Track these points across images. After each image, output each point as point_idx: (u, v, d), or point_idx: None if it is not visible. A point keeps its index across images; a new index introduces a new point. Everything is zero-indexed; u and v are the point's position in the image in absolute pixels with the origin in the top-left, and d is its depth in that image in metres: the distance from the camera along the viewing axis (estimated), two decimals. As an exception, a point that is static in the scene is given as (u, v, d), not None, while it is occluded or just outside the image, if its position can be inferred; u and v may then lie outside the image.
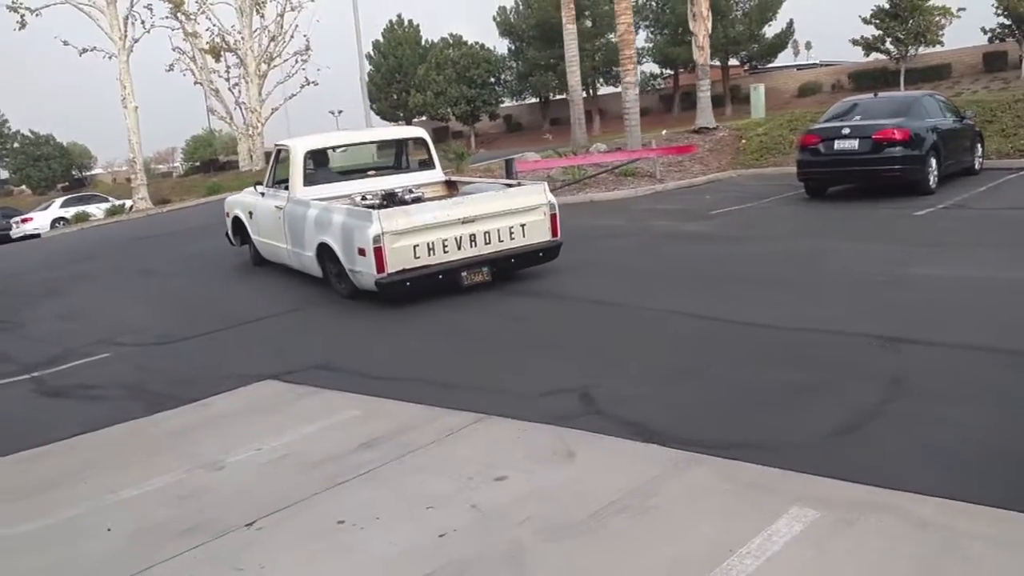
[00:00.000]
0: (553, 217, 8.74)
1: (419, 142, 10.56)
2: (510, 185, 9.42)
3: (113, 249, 16.54)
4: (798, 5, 50.90)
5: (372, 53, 62.15)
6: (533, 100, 62.43)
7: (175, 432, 5.44)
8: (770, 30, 50.83)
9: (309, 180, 9.51)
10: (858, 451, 4.15)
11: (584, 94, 57.31)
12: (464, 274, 8.18)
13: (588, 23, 54.12)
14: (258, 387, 6.28)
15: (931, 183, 12.68)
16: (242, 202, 11.32)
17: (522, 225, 8.52)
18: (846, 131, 12.72)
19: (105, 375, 7.02)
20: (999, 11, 42.82)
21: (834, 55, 55.14)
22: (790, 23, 50.97)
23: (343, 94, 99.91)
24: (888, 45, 45.49)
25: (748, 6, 50.60)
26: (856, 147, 12.57)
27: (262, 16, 39.27)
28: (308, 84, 39.45)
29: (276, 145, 10.62)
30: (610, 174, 17.60)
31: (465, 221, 8.14)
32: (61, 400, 6.50)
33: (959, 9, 44.05)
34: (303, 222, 9.04)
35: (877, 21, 45.47)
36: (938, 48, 45.46)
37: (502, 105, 62.14)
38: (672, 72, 55.44)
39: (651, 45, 54.86)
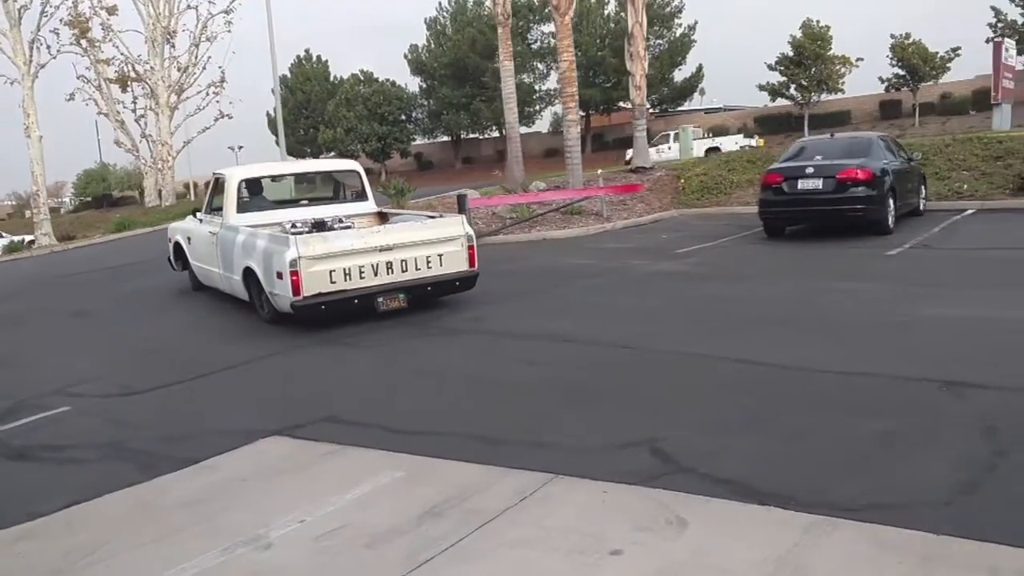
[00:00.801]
0: (470, 248, 9.11)
1: (352, 174, 10.95)
2: (431, 217, 9.82)
3: (34, 288, 15.20)
4: (703, 51, 52.62)
5: (279, 88, 60.89)
6: (445, 138, 62.22)
7: (189, 501, 4.68)
8: (679, 74, 52.14)
9: (242, 207, 9.89)
10: (1000, 510, 3.79)
11: (496, 133, 57.89)
12: (380, 299, 8.51)
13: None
14: (267, 444, 5.56)
15: (890, 223, 12.81)
16: (182, 228, 11.72)
17: (439, 255, 8.90)
18: (810, 171, 12.75)
19: (73, 432, 6.16)
20: (893, 62, 44.92)
21: (735, 100, 56.89)
22: (699, 68, 52.46)
23: (246, 129, 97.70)
24: (793, 91, 47.07)
25: (658, 51, 51.75)
26: (820, 187, 12.59)
27: (173, 47, 37.83)
28: (222, 117, 38.00)
29: (214, 173, 10.76)
30: (557, 212, 17.30)
31: (383, 249, 8.50)
32: (29, 463, 5.61)
33: (858, 59, 46.14)
34: (232, 247, 9.37)
35: (782, 68, 47.11)
36: (839, 95, 47.31)
37: (414, 143, 61.72)
38: (584, 113, 56.02)
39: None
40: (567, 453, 4.92)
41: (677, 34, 52.14)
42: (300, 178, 12.22)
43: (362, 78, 59.23)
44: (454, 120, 57.00)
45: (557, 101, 55.81)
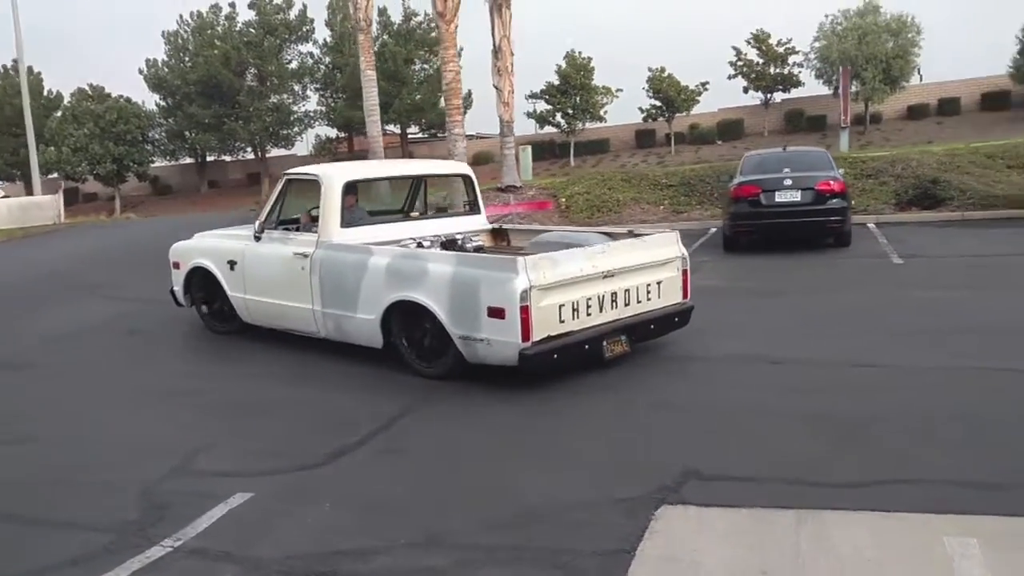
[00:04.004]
0: (685, 274, 7.24)
1: (465, 180, 8.77)
2: (634, 233, 7.54)
3: None
4: (470, 79, 53.10)
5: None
6: (188, 160, 57.30)
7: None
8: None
9: (347, 221, 7.52)
10: None
11: (253, 156, 54.23)
12: (605, 344, 6.43)
13: (253, 82, 51.30)
14: (664, 521, 4.13)
15: (851, 235, 13.10)
16: (214, 249, 8.59)
17: (658, 283, 6.96)
18: (788, 182, 12.71)
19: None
20: (650, 93, 47.94)
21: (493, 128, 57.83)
22: (468, 93, 52.48)
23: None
24: (559, 119, 48.64)
25: (422, 76, 51.34)
26: (799, 199, 12.59)
27: None
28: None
29: (288, 174, 8.16)
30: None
31: (607, 276, 6.47)
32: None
33: (618, 89, 48.68)
34: (359, 273, 6.98)
35: (548, 96, 48.55)
36: (601, 124, 49.62)
37: (152, 165, 56.22)
38: (347, 135, 54.22)
39: (323, 108, 53.31)
40: None
41: (441, 61, 51.88)
42: (401, 184, 9.24)
43: (91, 93, 53.00)
44: (202, 140, 52.62)
45: (318, 123, 53.72)
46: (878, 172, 17.95)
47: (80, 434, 6.11)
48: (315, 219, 7.70)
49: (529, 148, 25.84)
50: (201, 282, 8.76)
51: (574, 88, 47.68)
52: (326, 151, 54.24)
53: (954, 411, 5.40)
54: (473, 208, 8.67)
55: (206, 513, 4.52)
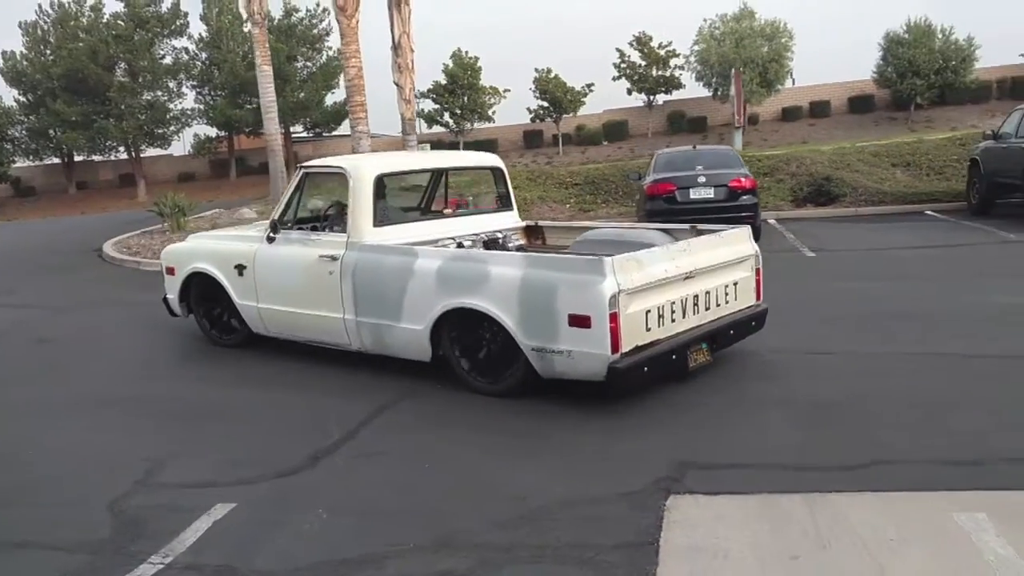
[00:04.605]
0: (758, 272, 6.59)
1: (497, 174, 7.89)
2: (698, 229, 6.75)
3: None
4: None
5: None
6: (54, 160, 54.19)
7: None
8: (333, 98, 51.02)
9: (379, 219, 6.71)
10: None
11: (126, 155, 51.65)
12: (689, 353, 5.79)
13: (124, 77, 48.87)
14: (678, 512, 4.14)
15: (760, 230, 13.52)
16: (218, 252, 7.66)
17: (735, 283, 6.31)
18: (702, 180, 13.00)
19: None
20: (537, 94, 48.39)
21: (387, 127, 57.29)
22: (353, 92, 51.56)
23: None
24: (447, 118, 48.50)
25: (305, 73, 50.22)
26: (712, 195, 12.91)
27: None
28: None
29: (307, 167, 7.32)
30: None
31: (687, 277, 5.80)
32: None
33: (505, 90, 48.94)
34: (403, 278, 6.19)
35: (435, 96, 48.36)
36: (490, 124, 49.77)
37: (14, 165, 52.94)
38: (227, 134, 52.43)
39: (201, 106, 51.36)
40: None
41: (325, 58, 50.89)
42: (433, 177, 8.20)
43: (-59, 87, 49.41)
44: (69, 139, 49.82)
45: (196, 121, 51.74)
46: (774, 170, 18.62)
47: (17, 452, 5.62)
48: (335, 216, 7.12)
49: (428, 147, 25.61)
50: (201, 289, 7.87)
51: (462, 88, 47.66)
52: (205, 151, 52.41)
53: (918, 394, 5.60)
54: (505, 204, 7.83)
55: (190, 526, 4.25)
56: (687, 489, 4.34)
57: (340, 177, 6.92)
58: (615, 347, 5.23)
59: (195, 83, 51.85)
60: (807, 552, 3.65)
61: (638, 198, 14.31)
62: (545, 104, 48.14)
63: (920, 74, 41.29)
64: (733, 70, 25.02)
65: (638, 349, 5.40)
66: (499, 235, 7.38)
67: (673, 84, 48.16)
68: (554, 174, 20.69)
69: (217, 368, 7.39)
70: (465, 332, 6.05)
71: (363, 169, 6.74)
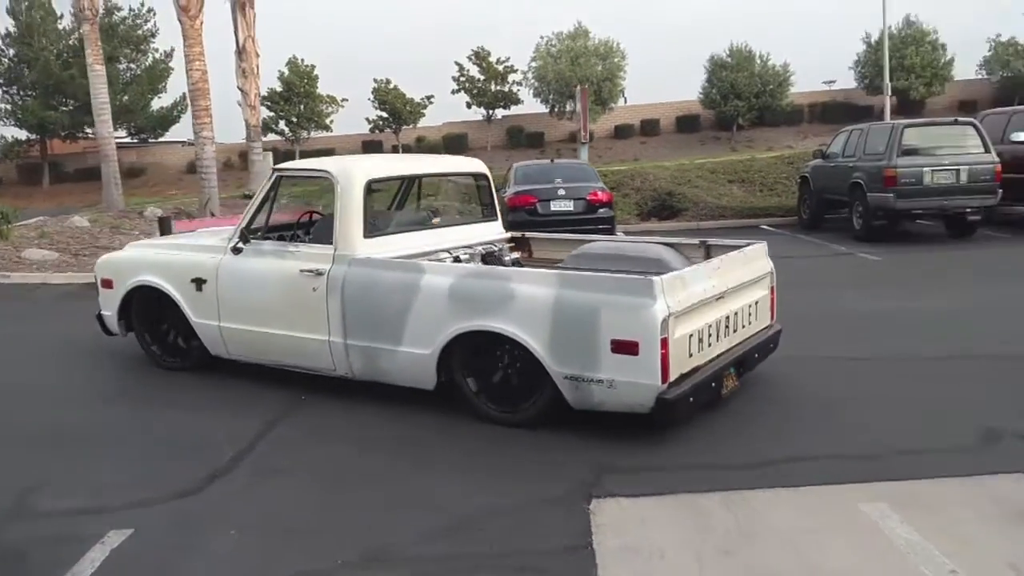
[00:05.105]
0: (773, 291, 6.22)
1: (480, 180, 7.30)
2: (707, 244, 6.44)
3: None
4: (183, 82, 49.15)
5: None
6: None
7: None
8: (160, 102, 48.60)
9: (369, 229, 5.98)
10: None
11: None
12: (724, 378, 5.39)
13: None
14: (603, 515, 4.21)
15: (615, 242, 14.01)
16: (170, 263, 6.78)
17: (756, 303, 5.90)
18: (561, 192, 13.31)
19: None
20: (376, 104, 48.07)
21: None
22: (182, 97, 49.19)
23: None
24: (283, 126, 47.31)
25: (129, 76, 47.61)
26: (572, 208, 13.25)
27: None
28: None
29: (282, 170, 6.52)
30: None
31: (719, 297, 5.36)
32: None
33: (343, 99, 48.32)
34: (407, 296, 5.54)
35: (270, 103, 47.04)
36: (327, 133, 48.92)
37: None
38: (39, 138, 48.77)
39: (8, 107, 47.60)
40: None
41: (150, 60, 48.40)
42: (416, 183, 7.38)
43: None
44: None
45: (2, 123, 47.90)
46: (619, 185, 19.24)
47: None
48: (318, 225, 6.49)
49: (271, 155, 24.84)
50: (146, 305, 6.98)
51: (298, 96, 46.65)
52: (14, 155, 48.57)
53: (817, 394, 5.93)
54: (490, 213, 7.24)
55: (84, 557, 3.89)
56: (608, 492, 4.39)
57: (323, 181, 6.26)
58: (664, 376, 4.76)
59: (1, 81, 48.02)
60: (737, 548, 3.78)
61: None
62: (384, 115, 47.85)
63: (741, 96, 44.01)
64: (579, 87, 25.67)
65: (682, 378, 4.95)
66: (494, 248, 6.91)
67: (511, 99, 49.06)
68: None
69: (90, 385, 6.85)
70: (479, 357, 5.47)
71: (352, 173, 5.99)
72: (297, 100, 46.77)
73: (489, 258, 6.73)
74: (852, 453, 4.82)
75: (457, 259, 6.39)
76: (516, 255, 7.00)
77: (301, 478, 4.80)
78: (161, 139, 51.16)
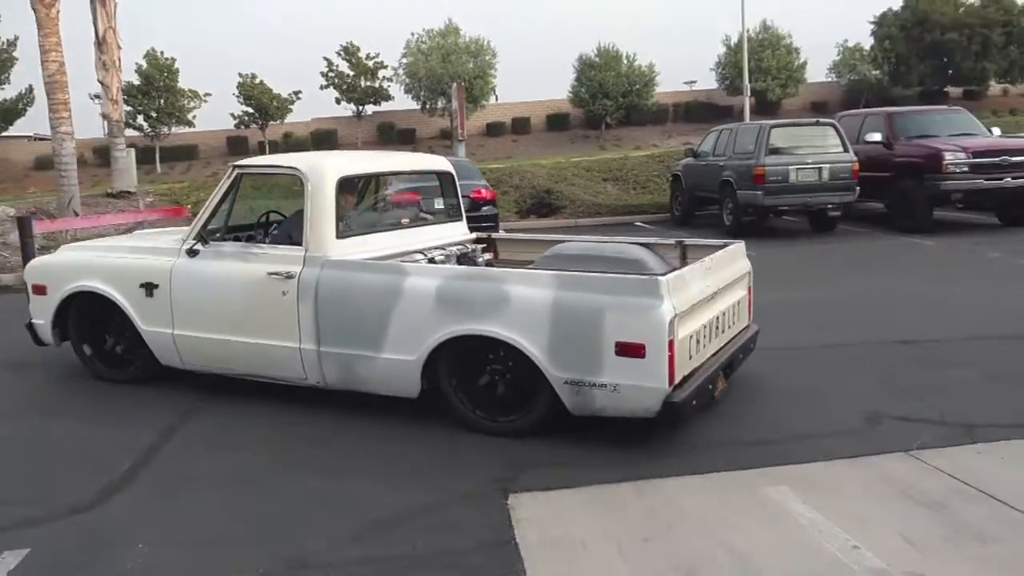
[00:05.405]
0: (750, 291, 6.19)
1: (445, 178, 7.03)
2: (682, 242, 6.36)
3: None
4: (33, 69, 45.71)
5: None
6: None
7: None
8: (3, 94, 45.57)
9: (341, 229, 5.68)
10: None
11: None
12: (714, 383, 5.26)
13: None
14: (521, 510, 4.30)
15: (498, 239, 14.14)
16: (115, 267, 6.28)
17: (738, 303, 5.84)
18: (445, 190, 13.27)
19: None
20: (242, 100, 46.66)
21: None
22: (29, 88, 46.30)
23: None
24: (141, 121, 45.31)
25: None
26: (456, 205, 13.23)
27: None
28: None
29: (241, 167, 6.04)
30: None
31: (711, 298, 5.29)
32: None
33: (206, 94, 46.69)
34: (388, 300, 5.25)
35: (128, 97, 44.88)
36: (190, 129, 47.16)
37: None
38: None
39: None
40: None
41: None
42: (384, 182, 7.12)
43: None
44: None
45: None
46: (498, 183, 19.40)
47: None
48: (285, 225, 6.19)
49: (133, 151, 23.69)
50: (84, 313, 6.49)
51: (157, 90, 44.77)
52: None
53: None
54: (455, 213, 6.98)
55: (-24, 581, 3.66)
56: (524, 487, 4.44)
57: (292, 178, 5.85)
58: (671, 379, 4.63)
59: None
60: (655, 534, 3.90)
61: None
62: (250, 110, 46.54)
63: (609, 96, 45.10)
64: (455, 84, 25.70)
65: (684, 380, 4.84)
66: (466, 249, 6.67)
67: (382, 95, 48.62)
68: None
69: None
70: (468, 363, 5.22)
71: (323, 170, 5.66)
72: (156, 94, 44.82)
73: (463, 259, 6.52)
74: (749, 439, 5.05)
75: (432, 260, 6.16)
76: (488, 256, 6.80)
77: (207, 486, 4.65)
78: (4, 134, 47.94)
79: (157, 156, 45.35)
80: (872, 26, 47.87)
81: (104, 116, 19.13)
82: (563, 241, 6.48)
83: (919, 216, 13.77)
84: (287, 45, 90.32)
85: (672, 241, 6.44)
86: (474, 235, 7.07)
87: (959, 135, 14.48)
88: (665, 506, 4.19)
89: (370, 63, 47.82)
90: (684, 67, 76.94)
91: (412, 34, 48.26)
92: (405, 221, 6.69)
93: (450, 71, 43.61)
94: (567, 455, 4.88)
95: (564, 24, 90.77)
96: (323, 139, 48.29)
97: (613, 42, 47.09)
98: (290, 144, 47.85)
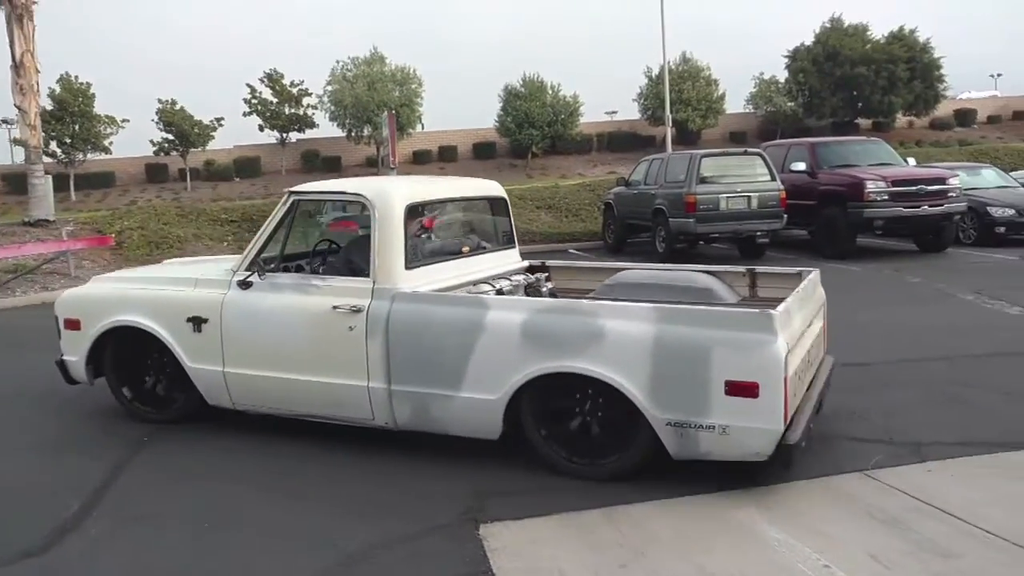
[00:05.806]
0: (825, 320, 5.93)
1: (499, 204, 6.75)
2: (753, 271, 6.17)
3: None
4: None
5: None
6: None
7: None
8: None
9: (410, 259, 5.32)
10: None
11: None
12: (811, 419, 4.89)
13: None
14: (494, 539, 4.30)
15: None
16: (158, 300, 5.85)
17: (818, 335, 5.60)
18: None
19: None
20: (161, 126, 45.65)
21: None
22: (-67, 114, 44.49)
23: None
24: (54, 148, 43.88)
25: None
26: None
27: None
28: None
29: (297, 193, 5.68)
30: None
31: (804, 331, 5.05)
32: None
33: (123, 120, 45.54)
34: (468, 336, 4.92)
35: (41, 123, 43.52)
36: (106, 156, 45.92)
37: None
38: None
39: None
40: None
41: None
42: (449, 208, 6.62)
43: None
44: None
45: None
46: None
47: None
48: (343, 255, 5.85)
49: (50, 178, 22.88)
50: (122, 349, 6.06)
51: (72, 115, 43.49)
52: None
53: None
54: (508, 240, 6.67)
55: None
56: (494, 517, 4.43)
57: (357, 205, 5.54)
58: (786, 419, 4.38)
59: None
60: (631, 560, 3.93)
61: (322, 233, 14.13)
62: (171, 137, 45.54)
63: (535, 125, 45.57)
64: (387, 112, 25.63)
65: (792, 419, 4.56)
66: (532, 278, 6.37)
67: (307, 123, 48.12)
68: (207, 210, 19.71)
69: None
70: (554, 403, 4.92)
71: (391, 196, 5.31)
72: (71, 120, 43.51)
73: (530, 289, 6.27)
74: (707, 463, 5.10)
75: (500, 291, 5.87)
76: (551, 285, 6.52)
77: (165, 522, 4.50)
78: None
79: (72, 183, 43.90)
80: (786, 59, 49.57)
81: (17, 142, 18.54)
82: (622, 269, 6.30)
83: (843, 243, 14.27)
84: (208, 72, 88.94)
85: (742, 269, 6.22)
86: (526, 263, 6.77)
87: (878, 164, 15.10)
88: (635, 531, 4.23)
89: (294, 90, 47.34)
90: (607, 98, 78.42)
91: (337, 62, 48.07)
92: (465, 249, 6.31)
93: (376, 99, 43.50)
94: (534, 482, 4.88)
95: (489, 55, 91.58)
96: (246, 166, 47.56)
97: (538, 72, 47.75)
98: (212, 171, 47.04)
